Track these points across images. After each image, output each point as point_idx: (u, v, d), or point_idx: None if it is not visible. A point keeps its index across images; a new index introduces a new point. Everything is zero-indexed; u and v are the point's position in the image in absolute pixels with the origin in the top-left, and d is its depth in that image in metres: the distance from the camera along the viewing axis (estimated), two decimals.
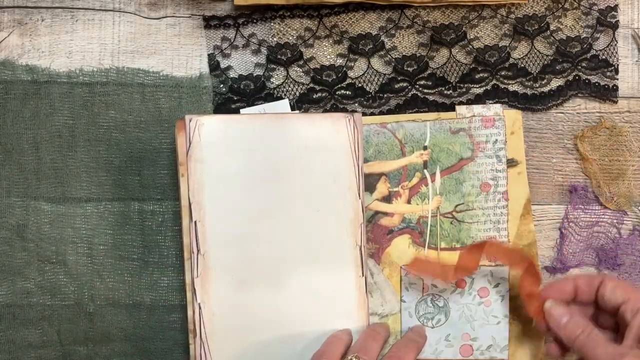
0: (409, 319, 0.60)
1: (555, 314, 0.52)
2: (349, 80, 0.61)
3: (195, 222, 0.55)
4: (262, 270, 0.56)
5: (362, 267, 0.57)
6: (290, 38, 0.61)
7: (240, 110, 0.60)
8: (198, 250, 0.55)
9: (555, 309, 0.52)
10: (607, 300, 0.52)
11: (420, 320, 0.60)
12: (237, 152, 0.55)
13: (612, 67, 0.61)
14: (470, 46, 0.61)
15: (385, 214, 0.60)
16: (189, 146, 0.55)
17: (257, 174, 0.56)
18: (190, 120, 0.55)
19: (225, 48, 0.61)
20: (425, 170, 0.60)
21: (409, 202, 0.60)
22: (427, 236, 0.60)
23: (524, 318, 0.59)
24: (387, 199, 0.60)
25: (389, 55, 0.61)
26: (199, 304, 0.55)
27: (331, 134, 0.56)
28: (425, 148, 0.60)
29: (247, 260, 0.55)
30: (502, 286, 0.59)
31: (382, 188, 0.60)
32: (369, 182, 0.59)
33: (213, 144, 0.55)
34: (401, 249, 0.60)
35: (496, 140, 0.60)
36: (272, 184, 0.56)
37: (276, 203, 0.56)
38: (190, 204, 0.55)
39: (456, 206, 0.60)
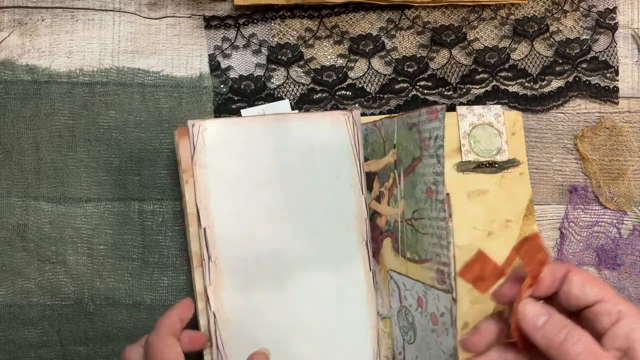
0: (395, 326, 0.57)
1: (530, 314, 0.42)
2: (349, 81, 0.61)
3: (204, 228, 0.54)
4: (273, 272, 0.55)
5: (370, 262, 0.57)
6: (291, 38, 0.61)
7: (241, 110, 0.60)
8: (209, 257, 0.54)
9: (529, 307, 0.42)
10: (573, 297, 0.42)
11: (401, 331, 0.56)
12: (241, 155, 0.55)
13: (612, 69, 0.61)
14: (471, 47, 0.61)
15: (379, 214, 0.59)
16: (194, 151, 0.54)
17: (262, 176, 0.55)
18: (193, 125, 0.54)
19: (226, 48, 0.61)
20: (394, 171, 0.56)
21: (388, 203, 0.58)
22: (398, 243, 0.55)
23: None
24: (378, 199, 0.59)
25: (389, 56, 0.61)
26: (213, 312, 0.54)
27: (332, 132, 0.56)
28: (394, 146, 0.55)
29: (257, 263, 0.55)
30: (446, 317, 0.48)
31: (376, 187, 0.59)
32: (368, 181, 0.59)
33: (217, 147, 0.54)
34: (387, 252, 0.58)
35: (437, 136, 0.48)
36: (277, 184, 0.55)
37: (283, 203, 0.55)
38: (198, 211, 0.54)
39: (413, 212, 0.52)
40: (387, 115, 0.59)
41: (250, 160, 0.55)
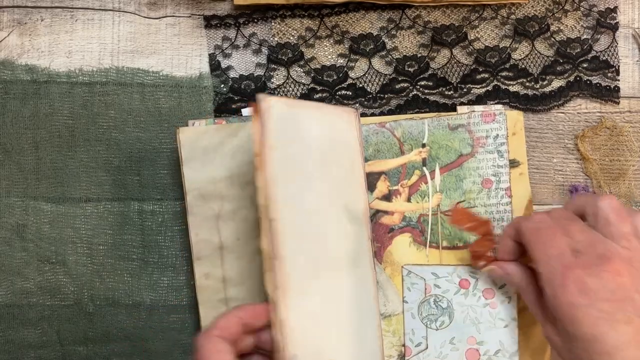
0: (411, 320, 0.59)
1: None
2: (350, 81, 0.61)
3: (271, 220, 0.47)
4: (323, 270, 0.51)
5: (373, 260, 0.56)
6: (291, 38, 0.61)
7: (242, 110, 0.60)
8: (275, 255, 0.47)
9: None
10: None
11: (424, 322, 0.59)
12: (294, 140, 0.51)
13: (613, 69, 0.61)
14: (471, 47, 0.61)
15: (386, 212, 0.59)
16: (262, 130, 0.48)
17: (309, 164, 0.52)
18: (262, 101, 0.48)
19: (226, 48, 0.60)
20: (424, 168, 0.59)
21: (408, 200, 0.59)
22: (428, 234, 0.59)
23: (532, 321, 0.58)
24: (387, 197, 0.59)
25: (390, 56, 0.61)
26: (280, 320, 0.46)
27: (347, 127, 0.56)
28: (423, 145, 0.59)
29: (310, 260, 0.50)
30: (508, 287, 0.58)
31: (381, 187, 0.59)
32: (369, 181, 0.59)
33: (279, 129, 0.49)
34: (402, 247, 0.59)
35: (497, 135, 0.59)
36: (319, 175, 0.52)
37: (324, 194, 0.52)
38: (267, 200, 0.48)
39: (457, 204, 0.59)
40: (407, 116, 0.60)
41: (300, 146, 0.51)
